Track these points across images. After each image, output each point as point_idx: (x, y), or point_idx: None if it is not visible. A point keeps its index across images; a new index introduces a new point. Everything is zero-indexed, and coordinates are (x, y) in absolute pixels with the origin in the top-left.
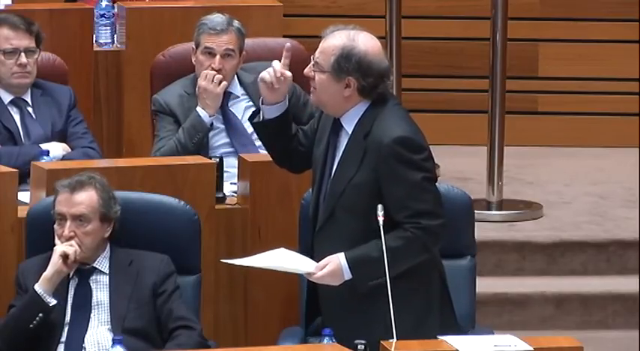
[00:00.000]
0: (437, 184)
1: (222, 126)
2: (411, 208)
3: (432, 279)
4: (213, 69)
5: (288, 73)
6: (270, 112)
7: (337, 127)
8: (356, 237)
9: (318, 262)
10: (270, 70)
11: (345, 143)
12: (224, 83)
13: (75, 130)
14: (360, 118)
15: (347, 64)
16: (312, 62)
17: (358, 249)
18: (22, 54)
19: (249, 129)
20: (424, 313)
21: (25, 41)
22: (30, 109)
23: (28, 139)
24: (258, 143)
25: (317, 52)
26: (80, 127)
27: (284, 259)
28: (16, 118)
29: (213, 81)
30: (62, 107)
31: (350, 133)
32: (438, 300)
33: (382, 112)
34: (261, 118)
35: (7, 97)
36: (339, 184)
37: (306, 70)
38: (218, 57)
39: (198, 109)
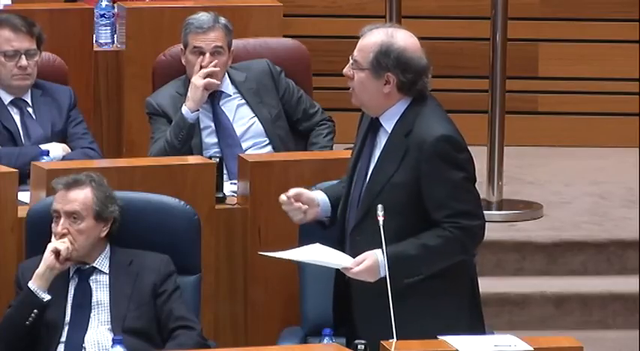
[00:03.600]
0: None
1: (214, 126)
2: (451, 208)
3: (463, 281)
4: (202, 67)
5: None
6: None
7: (376, 126)
8: (391, 235)
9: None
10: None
11: (384, 142)
12: (207, 74)
13: (75, 131)
14: (400, 117)
15: (386, 59)
16: (351, 61)
17: (395, 246)
18: (23, 56)
19: (238, 130)
20: (454, 315)
21: (26, 43)
22: (30, 110)
23: (28, 139)
24: (244, 145)
25: (355, 51)
26: (80, 128)
27: (320, 254)
28: (16, 118)
29: (199, 75)
30: (62, 107)
31: (389, 131)
32: (467, 303)
33: (423, 110)
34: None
35: (7, 98)
36: (378, 182)
37: (345, 70)
38: (207, 55)
39: (183, 106)
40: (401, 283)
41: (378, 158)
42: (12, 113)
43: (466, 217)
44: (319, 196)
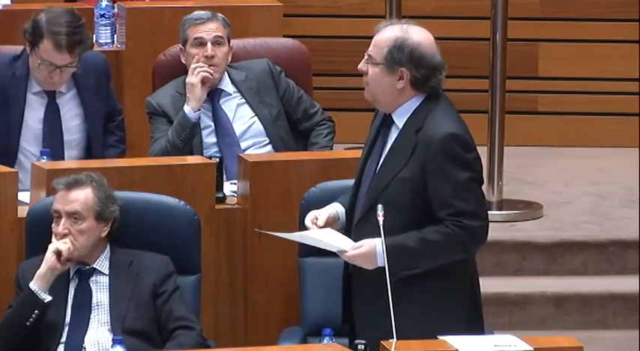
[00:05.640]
0: None
1: (213, 125)
2: (454, 207)
3: (464, 281)
4: (205, 57)
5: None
6: None
7: (388, 122)
8: (395, 231)
9: None
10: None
11: (394, 138)
12: (202, 74)
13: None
14: (412, 113)
15: (400, 54)
16: (366, 56)
17: (396, 237)
18: (58, 70)
19: (238, 129)
20: (453, 315)
21: (65, 61)
22: (58, 101)
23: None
24: (244, 145)
25: (370, 46)
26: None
27: (323, 237)
28: (42, 109)
29: (193, 73)
30: (100, 81)
31: (400, 127)
32: (467, 305)
33: (435, 108)
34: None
35: (37, 87)
36: (385, 177)
37: (359, 65)
38: (209, 44)
39: (185, 105)
40: (397, 274)
41: (387, 153)
42: (40, 103)
43: (468, 217)
44: (338, 208)
